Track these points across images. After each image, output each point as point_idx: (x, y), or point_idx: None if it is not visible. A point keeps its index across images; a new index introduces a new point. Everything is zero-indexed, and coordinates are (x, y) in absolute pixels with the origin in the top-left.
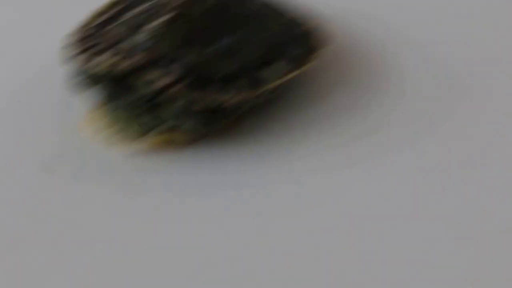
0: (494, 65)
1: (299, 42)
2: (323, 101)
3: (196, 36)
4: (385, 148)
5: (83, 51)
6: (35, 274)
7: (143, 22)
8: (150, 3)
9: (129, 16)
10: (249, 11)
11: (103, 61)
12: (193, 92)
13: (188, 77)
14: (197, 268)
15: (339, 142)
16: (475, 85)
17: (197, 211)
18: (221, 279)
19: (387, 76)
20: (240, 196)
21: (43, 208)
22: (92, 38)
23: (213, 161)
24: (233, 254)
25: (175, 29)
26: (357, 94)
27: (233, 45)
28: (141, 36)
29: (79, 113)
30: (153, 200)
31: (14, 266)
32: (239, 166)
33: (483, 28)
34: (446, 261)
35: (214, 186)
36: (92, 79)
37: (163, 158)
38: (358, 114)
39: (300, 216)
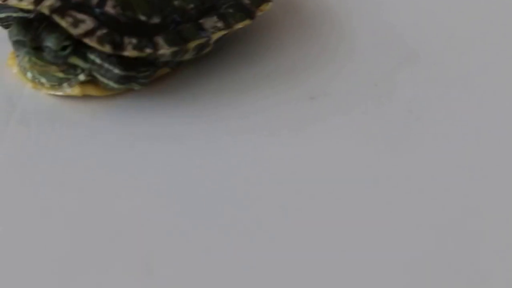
0: (445, 37)
1: None
2: (262, 59)
3: None
4: (320, 114)
5: None
6: None
7: None
8: None
9: None
10: None
11: (12, 3)
12: (105, 44)
13: (102, 28)
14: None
15: (273, 104)
16: (424, 54)
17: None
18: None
19: (336, 39)
20: (165, 151)
21: None
22: None
23: (139, 113)
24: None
25: None
26: (299, 54)
27: None
28: None
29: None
30: (72, 150)
31: None
32: (165, 120)
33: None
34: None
35: (138, 138)
36: (0, 23)
37: (89, 107)
38: (298, 76)
39: (224, 178)
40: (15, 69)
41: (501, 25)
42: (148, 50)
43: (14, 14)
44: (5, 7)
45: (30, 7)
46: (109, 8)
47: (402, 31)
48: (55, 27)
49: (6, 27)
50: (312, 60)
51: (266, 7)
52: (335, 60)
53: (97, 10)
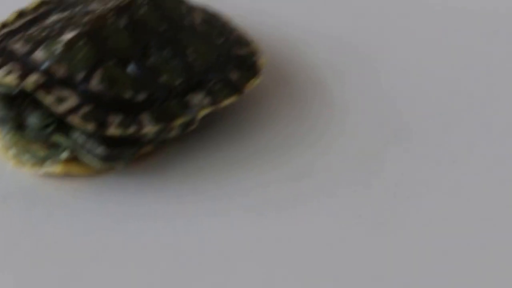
0: (436, 114)
1: (228, 70)
2: (249, 136)
3: (104, 57)
4: (307, 194)
5: None
6: None
7: (46, 37)
8: (59, 15)
9: (33, 30)
10: (177, 30)
11: None
12: (89, 123)
13: (86, 106)
14: None
15: (259, 184)
16: (414, 132)
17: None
18: None
19: (326, 115)
20: (150, 231)
21: None
22: None
23: (123, 192)
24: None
25: (80, 49)
26: (288, 130)
27: (145, 69)
28: (40, 54)
29: None
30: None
31: None
32: (150, 199)
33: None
34: None
35: (122, 217)
36: None
37: (72, 185)
38: (286, 154)
39: (209, 259)
40: None
41: (492, 104)
42: (133, 129)
43: None
44: None
45: (14, 83)
46: (94, 85)
47: (394, 107)
48: (38, 104)
49: None
50: (301, 138)
51: (255, 82)
52: (324, 138)
53: (82, 87)
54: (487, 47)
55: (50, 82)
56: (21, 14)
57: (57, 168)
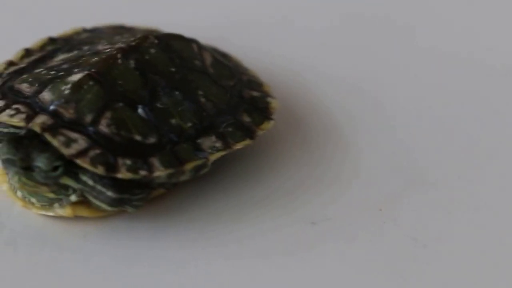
0: (454, 160)
1: (240, 112)
2: (262, 180)
3: (113, 99)
4: (320, 240)
5: None
6: None
7: (54, 77)
8: (66, 55)
9: (41, 69)
10: (187, 71)
11: (2, 119)
12: (98, 166)
13: (95, 148)
14: None
15: (272, 229)
16: (431, 178)
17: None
18: None
19: (340, 159)
20: (159, 276)
21: None
22: None
23: (132, 236)
24: None
25: (88, 91)
26: (301, 174)
27: (155, 111)
28: (48, 95)
29: None
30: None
31: None
32: (160, 243)
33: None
34: None
35: (131, 262)
36: None
37: (80, 228)
38: (299, 199)
39: None
40: (4, 186)
41: (510, 150)
42: (143, 173)
43: (5, 130)
44: None
45: (22, 124)
46: (103, 127)
47: (410, 151)
48: (46, 146)
49: None
50: (315, 182)
51: (268, 125)
52: (338, 182)
53: (91, 129)
54: (504, 93)
55: (58, 124)
56: (27, 52)
57: (65, 211)
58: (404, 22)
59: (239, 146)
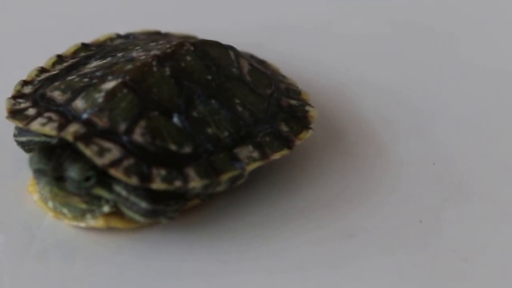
0: (496, 169)
1: (277, 121)
2: (299, 191)
3: (147, 108)
4: (360, 252)
5: (17, 112)
6: None
7: (87, 85)
8: (99, 62)
9: (73, 76)
10: (224, 78)
11: (34, 128)
12: (131, 176)
13: (128, 158)
14: None
15: (309, 241)
16: (473, 188)
17: None
18: None
19: (380, 169)
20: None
21: None
22: (29, 97)
23: (166, 248)
24: None
25: (122, 99)
26: (341, 185)
27: (191, 120)
28: (81, 103)
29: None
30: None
31: None
32: (194, 256)
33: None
34: None
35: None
36: (21, 146)
37: (113, 240)
38: (337, 210)
39: None
40: (35, 196)
41: None
42: (178, 183)
43: (36, 139)
44: (27, 130)
45: (53, 132)
46: (137, 136)
47: (451, 162)
48: (78, 155)
49: (28, 151)
50: (353, 193)
51: (306, 135)
52: (378, 193)
53: (125, 138)
54: None
55: (91, 133)
56: (60, 59)
57: (98, 222)
58: (446, 31)
59: (276, 156)
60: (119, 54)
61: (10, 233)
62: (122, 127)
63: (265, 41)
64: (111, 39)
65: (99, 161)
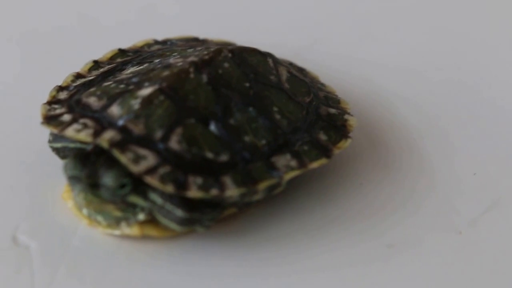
0: None
1: (316, 130)
2: (338, 200)
3: (184, 115)
4: (400, 268)
5: (52, 117)
6: None
7: (123, 91)
8: (136, 68)
9: (109, 82)
10: (262, 86)
11: (69, 134)
12: (167, 184)
13: (164, 166)
14: None
15: (346, 252)
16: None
17: None
18: None
19: (422, 179)
20: None
21: None
22: (64, 103)
23: (202, 257)
24: None
25: (158, 106)
26: (382, 197)
27: (228, 128)
28: (116, 110)
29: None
30: None
31: None
32: (231, 266)
33: None
34: None
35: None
36: (56, 152)
37: (148, 248)
38: (376, 220)
39: None
40: (70, 204)
41: None
42: (214, 192)
43: (71, 145)
44: (62, 137)
45: (89, 139)
46: (173, 144)
47: (491, 173)
48: (113, 162)
49: (62, 157)
50: (391, 203)
51: (345, 144)
52: (417, 203)
53: (161, 145)
54: None
55: (126, 140)
56: (96, 64)
57: (133, 230)
58: (490, 43)
59: (314, 165)
60: (156, 60)
61: (44, 240)
62: (158, 134)
63: (305, 49)
64: (148, 45)
65: (135, 169)
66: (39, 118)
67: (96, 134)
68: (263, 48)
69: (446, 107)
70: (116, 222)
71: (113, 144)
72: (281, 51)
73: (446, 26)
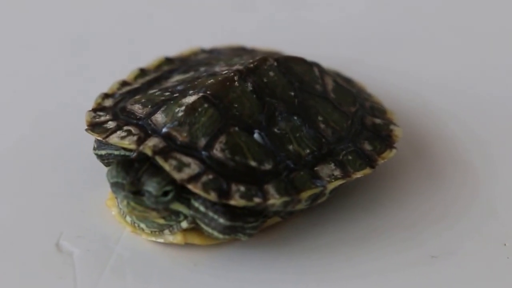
0: None
1: (361, 140)
2: (382, 211)
3: (228, 123)
4: (444, 281)
5: (97, 124)
6: None
7: (167, 99)
8: (181, 76)
9: (155, 90)
10: (307, 95)
11: (113, 141)
12: (210, 192)
13: (208, 173)
14: None
15: (389, 262)
16: None
17: None
18: None
19: (468, 191)
20: None
21: None
22: (109, 110)
23: (245, 266)
24: None
25: (202, 114)
26: (426, 207)
27: (272, 136)
28: (161, 117)
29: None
30: None
31: None
32: (274, 275)
33: None
34: None
35: None
36: (101, 159)
37: (191, 256)
38: (420, 231)
39: None
40: (114, 211)
41: None
42: (257, 200)
43: (116, 152)
44: (106, 144)
45: (132, 146)
46: (216, 152)
47: None
48: (157, 170)
49: (106, 164)
50: (436, 214)
51: (389, 154)
52: (462, 214)
53: (204, 153)
54: None
55: (170, 147)
56: (142, 72)
57: (176, 238)
58: None
59: (358, 175)
60: (202, 69)
61: (88, 247)
62: (202, 142)
63: (353, 62)
64: (195, 53)
65: (178, 176)
66: (83, 125)
67: (140, 141)
68: (311, 58)
69: (498, 117)
70: (159, 230)
71: (157, 151)
72: (329, 63)
73: (499, 46)
